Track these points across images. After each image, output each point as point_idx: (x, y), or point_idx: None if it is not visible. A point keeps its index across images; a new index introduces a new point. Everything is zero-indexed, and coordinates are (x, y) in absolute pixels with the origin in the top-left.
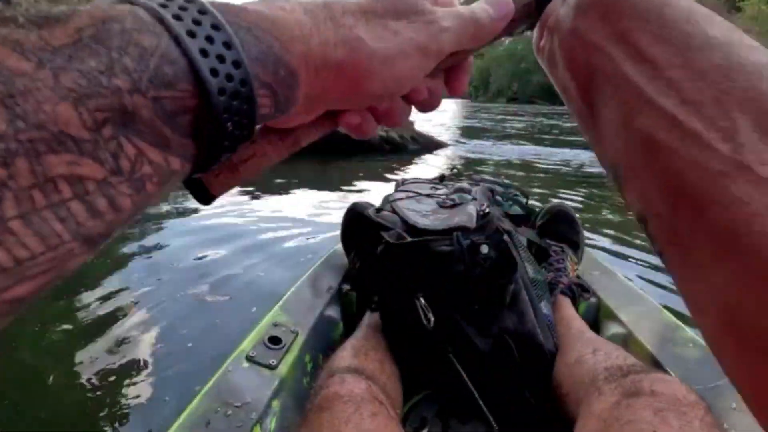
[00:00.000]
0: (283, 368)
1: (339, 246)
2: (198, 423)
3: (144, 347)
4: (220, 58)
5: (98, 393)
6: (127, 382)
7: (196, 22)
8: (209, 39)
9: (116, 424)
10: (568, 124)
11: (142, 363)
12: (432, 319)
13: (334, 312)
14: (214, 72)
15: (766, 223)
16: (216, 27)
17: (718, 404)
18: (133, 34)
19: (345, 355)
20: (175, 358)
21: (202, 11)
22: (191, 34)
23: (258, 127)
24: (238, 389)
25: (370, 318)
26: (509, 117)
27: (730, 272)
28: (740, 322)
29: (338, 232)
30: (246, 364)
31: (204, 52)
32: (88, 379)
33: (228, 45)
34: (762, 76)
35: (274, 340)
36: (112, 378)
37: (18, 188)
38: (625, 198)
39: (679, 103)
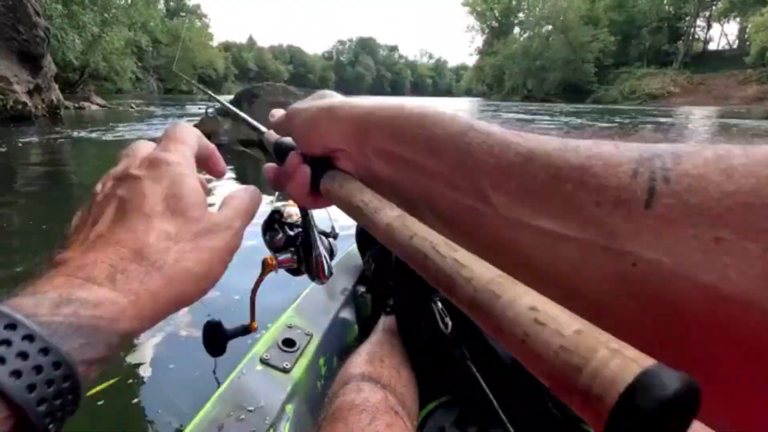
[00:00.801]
0: (297, 371)
1: (353, 247)
2: (210, 427)
3: (155, 349)
4: (37, 369)
5: (109, 397)
6: (138, 385)
7: (6, 342)
8: (23, 355)
9: (129, 429)
10: (582, 124)
11: (153, 366)
12: (450, 323)
13: (348, 314)
14: (31, 387)
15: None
16: (30, 337)
17: None
18: None
19: (360, 361)
20: (188, 360)
21: (11, 325)
22: (1, 361)
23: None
24: (252, 393)
25: (385, 321)
26: (525, 116)
27: None
28: None
29: (353, 232)
30: (260, 367)
31: (17, 373)
32: (98, 383)
33: (45, 351)
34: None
35: (288, 343)
36: (123, 381)
37: None
38: None
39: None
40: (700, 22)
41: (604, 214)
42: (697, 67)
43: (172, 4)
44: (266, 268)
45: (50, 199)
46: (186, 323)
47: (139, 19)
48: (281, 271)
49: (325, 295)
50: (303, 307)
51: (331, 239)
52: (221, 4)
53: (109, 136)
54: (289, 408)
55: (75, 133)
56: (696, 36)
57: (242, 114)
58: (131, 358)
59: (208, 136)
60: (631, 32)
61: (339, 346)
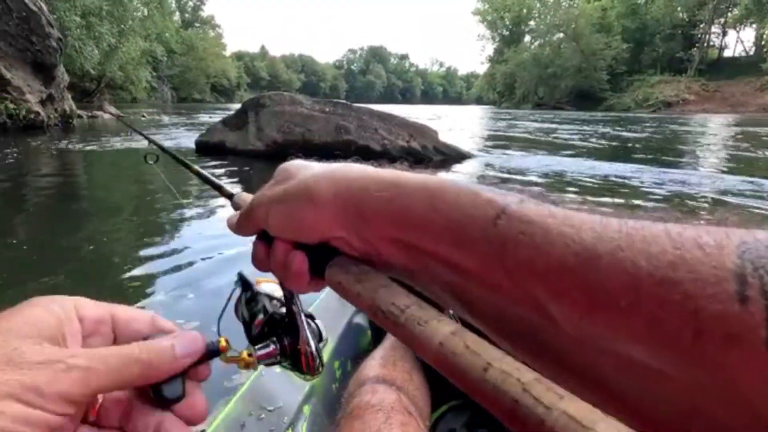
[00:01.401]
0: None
1: None
2: (233, 425)
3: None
4: None
5: None
6: None
7: None
8: None
9: None
10: (596, 131)
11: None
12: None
13: (361, 320)
14: None
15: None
16: None
17: None
18: None
19: (374, 365)
20: (212, 360)
21: None
22: None
23: None
24: (271, 393)
25: None
26: (536, 123)
27: None
28: None
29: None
30: (278, 369)
31: None
32: None
33: None
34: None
35: None
36: None
37: None
38: None
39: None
40: (715, 28)
41: (713, 351)
42: (712, 74)
43: (187, 15)
44: (241, 363)
45: (56, 209)
46: (206, 325)
47: (154, 30)
48: None
49: (339, 301)
50: (318, 312)
51: (318, 321)
52: (235, 14)
53: (116, 146)
54: (306, 409)
55: (83, 144)
56: (711, 43)
57: (203, 172)
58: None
59: (217, 146)
60: (643, 39)
61: (353, 350)
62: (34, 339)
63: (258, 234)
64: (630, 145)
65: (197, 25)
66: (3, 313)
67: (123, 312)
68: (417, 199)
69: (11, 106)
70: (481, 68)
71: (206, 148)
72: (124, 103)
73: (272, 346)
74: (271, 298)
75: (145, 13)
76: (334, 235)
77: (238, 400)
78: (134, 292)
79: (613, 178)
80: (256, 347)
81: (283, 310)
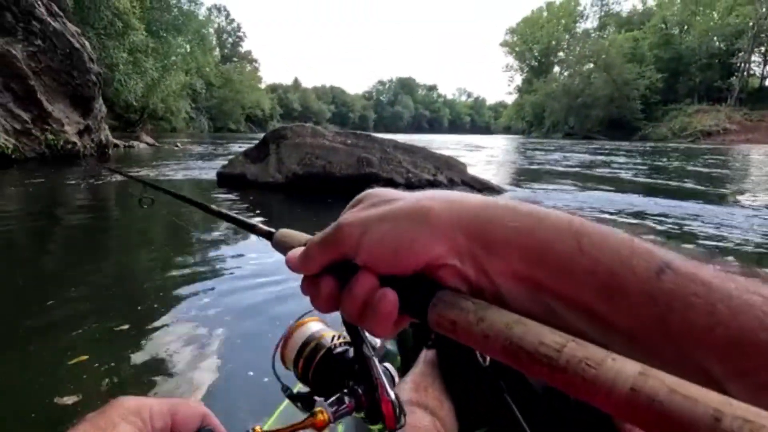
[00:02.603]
0: None
1: None
2: None
3: (207, 376)
4: None
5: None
6: (209, 392)
7: None
8: None
9: None
10: (634, 161)
11: (205, 393)
12: (488, 357)
13: (391, 346)
14: None
15: None
16: None
17: None
18: None
19: (407, 389)
20: (239, 387)
21: None
22: None
23: None
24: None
25: (427, 354)
26: (568, 153)
27: None
28: None
29: None
30: None
31: None
32: (158, 387)
33: None
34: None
35: None
36: (191, 387)
37: None
38: None
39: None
40: (756, 57)
41: None
42: (754, 103)
43: (226, 51)
44: (316, 425)
45: (84, 239)
46: (236, 354)
47: (195, 65)
48: None
49: None
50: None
51: (387, 364)
52: (271, 49)
53: (145, 175)
54: (340, 428)
55: (114, 175)
56: (751, 72)
57: (230, 213)
58: (182, 387)
59: (239, 178)
60: (679, 69)
61: None
62: None
63: (328, 267)
64: (676, 177)
65: (235, 59)
66: (90, 423)
67: (182, 411)
68: (561, 235)
69: (50, 137)
70: (509, 98)
71: (228, 180)
72: (164, 132)
73: (347, 399)
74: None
75: (188, 49)
76: (442, 263)
77: (278, 416)
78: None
79: (676, 217)
80: (328, 402)
81: (348, 353)
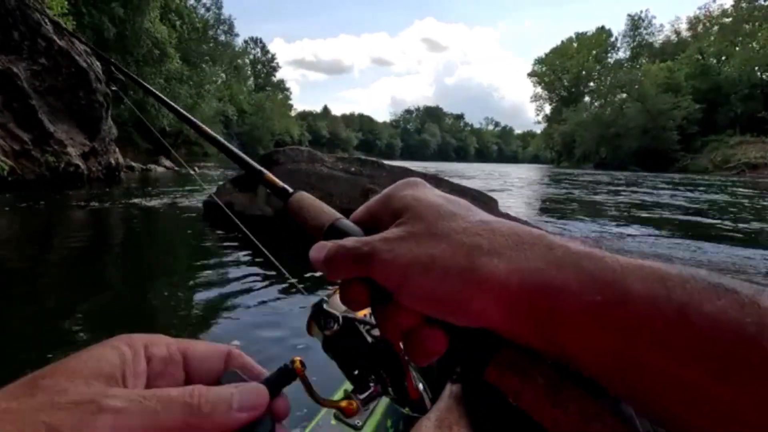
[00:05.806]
0: (367, 430)
1: None
2: None
3: None
4: None
5: None
6: None
7: None
8: None
9: None
10: (679, 195)
11: None
12: None
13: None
14: None
15: None
16: None
17: None
18: None
19: (430, 425)
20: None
21: None
22: None
23: None
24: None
25: (451, 389)
26: (598, 186)
27: None
28: None
29: None
30: (333, 422)
31: None
32: None
33: None
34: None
35: None
36: None
37: None
38: None
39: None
40: None
41: None
42: None
43: (260, 80)
44: (346, 413)
45: (81, 266)
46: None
47: (228, 93)
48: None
49: None
50: None
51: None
52: (302, 78)
53: (153, 202)
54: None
55: (121, 200)
56: None
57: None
58: None
59: (227, 206)
60: (718, 99)
61: None
62: (88, 378)
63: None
64: (731, 218)
65: (268, 88)
66: (77, 352)
67: (195, 349)
68: (656, 308)
69: (51, 159)
70: (538, 128)
71: (214, 210)
72: (196, 157)
73: (372, 383)
74: (363, 324)
75: (224, 77)
76: (502, 328)
77: None
78: None
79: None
80: (358, 394)
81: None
